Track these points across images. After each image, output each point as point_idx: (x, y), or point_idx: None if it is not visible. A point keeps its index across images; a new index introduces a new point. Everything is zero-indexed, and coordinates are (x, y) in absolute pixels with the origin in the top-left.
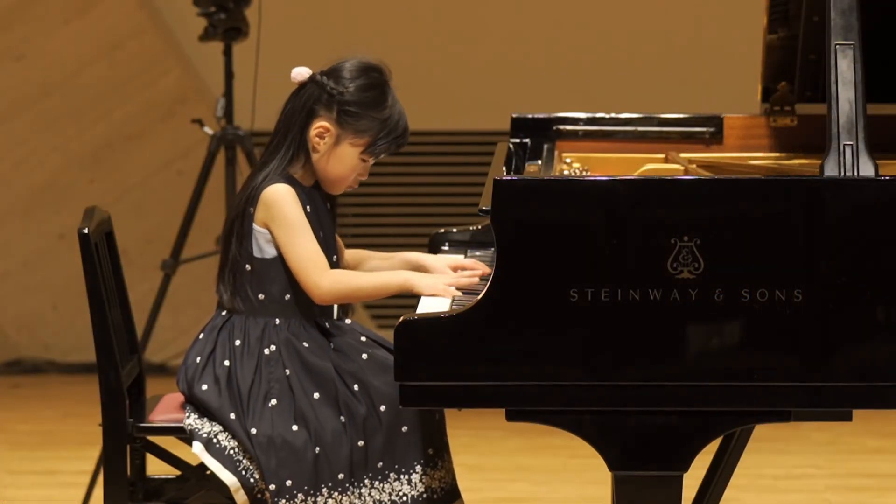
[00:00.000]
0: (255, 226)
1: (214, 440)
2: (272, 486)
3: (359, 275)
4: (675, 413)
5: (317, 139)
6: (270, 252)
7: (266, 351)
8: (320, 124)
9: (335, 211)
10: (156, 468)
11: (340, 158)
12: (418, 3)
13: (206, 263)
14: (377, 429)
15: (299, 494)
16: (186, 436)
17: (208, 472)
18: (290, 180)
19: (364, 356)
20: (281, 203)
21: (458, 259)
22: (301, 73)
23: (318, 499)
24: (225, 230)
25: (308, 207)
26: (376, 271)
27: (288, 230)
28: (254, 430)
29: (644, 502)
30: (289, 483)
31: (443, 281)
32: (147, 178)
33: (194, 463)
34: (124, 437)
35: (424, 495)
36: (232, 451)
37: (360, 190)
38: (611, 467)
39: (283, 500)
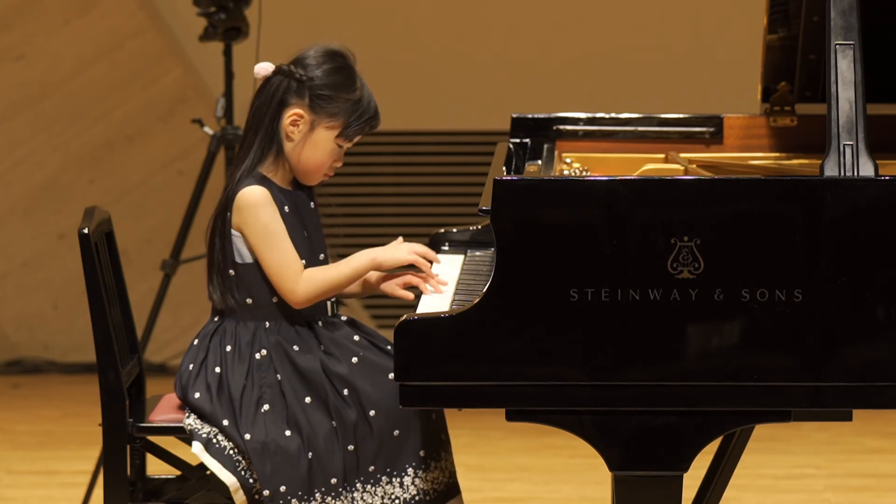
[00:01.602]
0: (232, 230)
1: (214, 440)
2: (266, 493)
3: (329, 268)
4: (675, 413)
5: (291, 127)
6: (248, 257)
7: (257, 356)
8: (293, 112)
9: (317, 210)
10: (156, 468)
11: (316, 144)
12: (418, 3)
13: (205, 263)
14: (367, 434)
15: (293, 500)
16: (186, 436)
17: (208, 472)
18: (264, 181)
19: (354, 359)
20: (253, 207)
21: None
22: (265, 67)
23: (313, 503)
24: (209, 233)
25: (286, 208)
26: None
27: (261, 236)
28: (247, 436)
29: (644, 502)
30: (283, 489)
31: (405, 250)
32: (147, 178)
33: (194, 463)
34: (124, 437)
35: (417, 497)
36: (231, 452)
37: (360, 190)
38: (611, 467)
39: None
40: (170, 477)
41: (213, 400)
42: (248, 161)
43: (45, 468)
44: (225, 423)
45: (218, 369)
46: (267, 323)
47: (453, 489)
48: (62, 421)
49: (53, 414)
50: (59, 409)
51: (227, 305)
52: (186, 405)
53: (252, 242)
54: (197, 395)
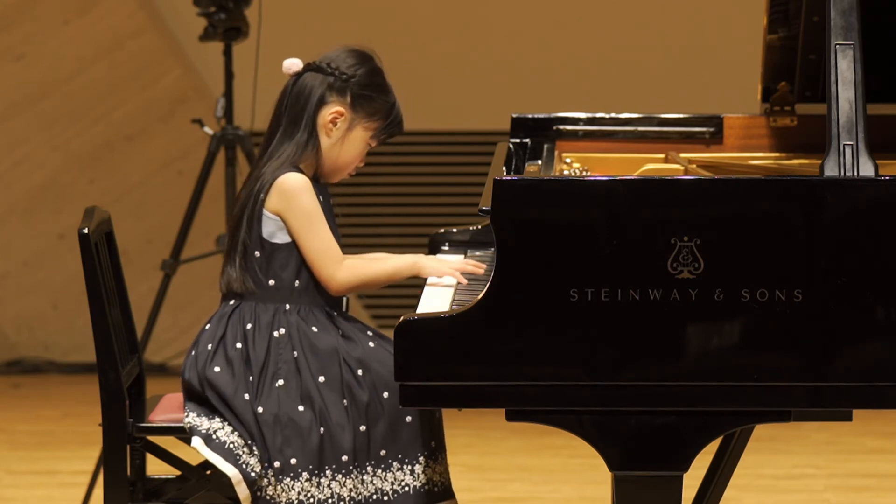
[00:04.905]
0: (265, 212)
1: (214, 436)
2: (277, 464)
3: (371, 263)
4: (675, 413)
5: (330, 125)
6: (282, 238)
7: (276, 334)
8: (335, 109)
9: (332, 208)
10: (156, 468)
11: (352, 143)
12: (418, 3)
13: (206, 263)
14: (380, 415)
15: (304, 473)
16: (186, 435)
17: (208, 472)
18: (301, 173)
19: (371, 344)
20: (299, 192)
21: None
22: (295, 63)
23: (322, 479)
24: (234, 217)
25: (321, 198)
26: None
27: (305, 220)
28: (260, 409)
29: (644, 502)
30: (293, 461)
31: (449, 265)
32: (147, 178)
33: (194, 463)
34: (124, 437)
35: (426, 486)
36: (231, 446)
37: (360, 190)
38: (611, 467)
39: (288, 478)
40: (170, 477)
41: (235, 374)
42: (288, 154)
43: (45, 468)
44: (246, 396)
45: (239, 345)
46: (287, 305)
47: (450, 491)
48: (62, 421)
49: (53, 414)
50: (59, 409)
51: (246, 288)
52: (203, 382)
53: (294, 227)
54: (217, 368)
